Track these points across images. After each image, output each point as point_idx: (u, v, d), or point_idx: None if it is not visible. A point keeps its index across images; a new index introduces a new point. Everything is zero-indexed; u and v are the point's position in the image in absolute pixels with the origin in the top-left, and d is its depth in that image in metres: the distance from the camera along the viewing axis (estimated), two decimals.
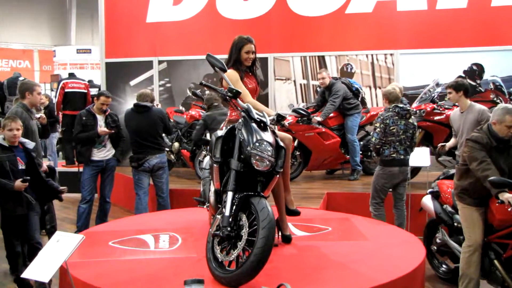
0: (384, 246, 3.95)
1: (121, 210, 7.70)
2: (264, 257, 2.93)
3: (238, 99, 3.49)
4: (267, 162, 3.23)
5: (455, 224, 4.45)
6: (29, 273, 3.06)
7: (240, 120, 3.43)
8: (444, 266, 4.95)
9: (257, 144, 3.22)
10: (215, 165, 3.39)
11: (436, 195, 4.83)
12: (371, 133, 5.52)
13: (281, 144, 3.41)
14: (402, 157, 5.38)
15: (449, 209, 4.58)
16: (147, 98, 6.17)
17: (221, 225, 3.09)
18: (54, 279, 3.53)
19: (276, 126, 3.84)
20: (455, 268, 4.67)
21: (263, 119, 3.40)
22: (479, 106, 5.36)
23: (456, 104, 6.73)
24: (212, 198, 3.60)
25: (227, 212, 3.10)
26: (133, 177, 6.21)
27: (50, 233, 5.10)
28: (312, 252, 3.82)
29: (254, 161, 3.21)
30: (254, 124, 3.34)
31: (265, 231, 2.94)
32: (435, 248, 4.82)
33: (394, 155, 5.34)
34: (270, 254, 2.96)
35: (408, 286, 3.37)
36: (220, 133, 3.43)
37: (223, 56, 3.86)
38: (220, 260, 3.13)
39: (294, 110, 3.89)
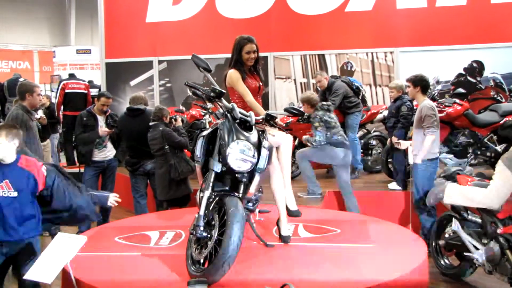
0: (389, 247, 3.93)
1: (123, 210, 7.66)
2: (229, 257, 2.92)
3: (222, 98, 3.46)
4: (247, 162, 3.22)
5: (469, 217, 4.46)
6: (31, 275, 3.06)
7: (223, 120, 3.42)
8: (447, 261, 4.96)
9: (236, 144, 3.22)
10: (197, 164, 3.43)
11: None
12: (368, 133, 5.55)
13: (265, 144, 3.39)
14: (347, 142, 5.81)
15: None
16: (140, 101, 6.11)
17: (195, 224, 3.13)
18: (56, 279, 3.54)
19: (276, 127, 3.83)
20: (457, 265, 4.69)
21: (248, 118, 3.38)
22: (424, 102, 5.30)
23: (457, 101, 6.73)
24: (198, 196, 3.62)
25: (201, 211, 3.14)
26: (130, 180, 6.19)
27: (53, 235, 5.09)
28: (313, 252, 3.80)
29: (233, 161, 3.21)
30: (236, 124, 3.33)
31: (231, 231, 2.94)
32: (444, 242, 4.82)
33: (341, 139, 5.71)
34: (236, 254, 2.96)
35: (412, 284, 3.37)
36: (204, 132, 3.45)
37: (222, 56, 3.85)
38: (195, 258, 3.15)
39: (286, 110, 3.88)
